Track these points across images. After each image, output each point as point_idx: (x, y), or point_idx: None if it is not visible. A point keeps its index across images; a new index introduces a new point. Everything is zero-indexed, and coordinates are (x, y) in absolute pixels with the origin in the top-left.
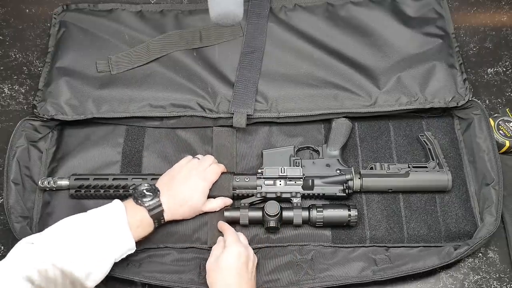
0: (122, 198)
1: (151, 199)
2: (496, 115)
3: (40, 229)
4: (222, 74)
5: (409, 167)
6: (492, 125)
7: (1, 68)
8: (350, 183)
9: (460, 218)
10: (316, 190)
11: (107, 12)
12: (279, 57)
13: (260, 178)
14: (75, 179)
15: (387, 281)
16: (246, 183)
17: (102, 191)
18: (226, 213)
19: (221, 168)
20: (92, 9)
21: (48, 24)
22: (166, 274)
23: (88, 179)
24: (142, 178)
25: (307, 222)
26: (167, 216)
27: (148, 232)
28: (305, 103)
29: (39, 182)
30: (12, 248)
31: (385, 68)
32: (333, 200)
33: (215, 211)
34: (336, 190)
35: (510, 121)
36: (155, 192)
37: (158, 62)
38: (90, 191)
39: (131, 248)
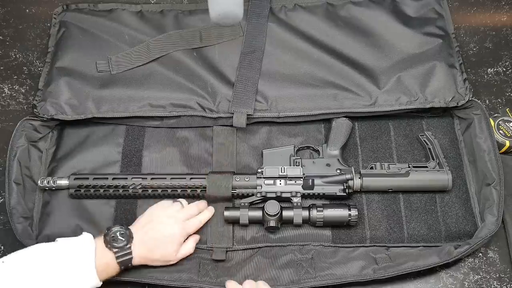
0: (122, 198)
1: (122, 245)
2: (496, 115)
3: (40, 229)
4: (222, 74)
5: (409, 167)
6: (492, 125)
7: (1, 68)
8: (350, 182)
9: (460, 218)
10: (316, 190)
11: (107, 12)
12: (279, 57)
13: (260, 177)
14: (75, 179)
15: (387, 280)
16: (246, 183)
17: (101, 190)
18: (226, 213)
19: (203, 220)
20: (92, 9)
21: (48, 24)
22: (165, 273)
23: (88, 178)
24: (142, 178)
25: (307, 221)
26: (135, 262)
27: (111, 275)
28: (305, 103)
29: (39, 182)
30: (12, 247)
31: (385, 68)
32: (333, 200)
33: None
34: (336, 189)
35: (510, 121)
36: (127, 238)
37: (158, 62)
38: (90, 190)
39: (95, 286)
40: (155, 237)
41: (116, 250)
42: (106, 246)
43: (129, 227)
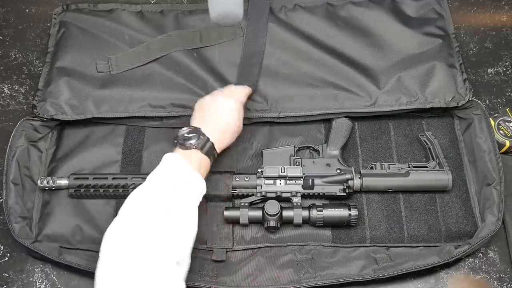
0: (122, 198)
1: (197, 139)
2: (496, 115)
3: (39, 229)
4: (222, 74)
5: (409, 167)
6: (492, 125)
7: (1, 68)
8: (350, 182)
9: (460, 218)
10: (316, 190)
11: (107, 12)
12: (279, 57)
13: (260, 177)
14: (75, 179)
15: (387, 280)
16: (246, 183)
17: (101, 190)
18: (226, 213)
19: (246, 88)
20: (92, 9)
21: (48, 24)
22: None
23: (88, 178)
24: (142, 178)
25: (307, 221)
26: (217, 148)
27: (207, 170)
28: (305, 103)
29: (39, 182)
30: (11, 247)
31: (385, 68)
32: (333, 200)
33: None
34: (336, 189)
35: (510, 121)
36: (197, 131)
37: (158, 62)
38: (90, 190)
39: (203, 188)
40: (216, 119)
41: (196, 144)
42: (185, 148)
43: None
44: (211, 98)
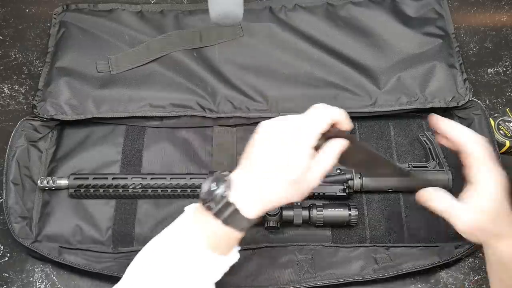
0: (122, 198)
1: (216, 199)
2: (496, 115)
3: (39, 229)
4: (222, 74)
5: (409, 167)
6: (492, 125)
7: (1, 68)
8: (350, 182)
9: None
10: (316, 190)
11: (107, 12)
12: (279, 57)
13: None
14: (75, 179)
15: (387, 280)
16: None
17: (101, 190)
18: None
19: (333, 111)
20: (92, 9)
21: (48, 24)
22: None
23: (88, 178)
24: (142, 178)
25: (307, 221)
26: (249, 210)
27: (231, 242)
28: (305, 103)
29: (38, 182)
30: (11, 247)
31: (385, 68)
32: (333, 200)
33: None
34: (336, 189)
35: (510, 121)
36: (222, 181)
37: (158, 62)
38: (90, 190)
39: (225, 267)
40: (262, 158)
41: (214, 207)
42: (205, 210)
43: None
44: (279, 122)
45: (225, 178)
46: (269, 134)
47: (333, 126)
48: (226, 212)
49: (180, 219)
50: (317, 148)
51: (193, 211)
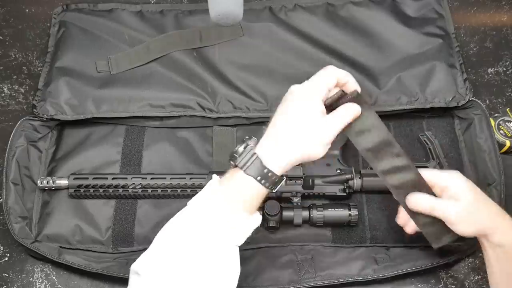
0: (122, 198)
1: (242, 151)
2: (496, 115)
3: (39, 229)
4: (222, 74)
5: None
6: (493, 125)
7: (1, 68)
8: (350, 182)
9: None
10: (317, 190)
11: (107, 12)
12: (279, 57)
13: None
14: (75, 179)
15: (387, 280)
16: None
17: (101, 190)
18: None
19: (340, 71)
20: (92, 9)
21: (48, 24)
22: None
23: (87, 178)
24: (142, 178)
25: (307, 221)
26: (273, 163)
27: (257, 198)
28: None
29: (38, 182)
30: (11, 247)
31: (385, 68)
32: (333, 200)
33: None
34: (337, 189)
35: (511, 121)
36: (247, 143)
37: (158, 62)
38: (89, 190)
39: (251, 227)
40: (282, 120)
41: (241, 163)
42: (233, 167)
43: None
44: (300, 84)
45: (252, 138)
46: (291, 94)
47: (342, 95)
48: (251, 163)
49: (207, 186)
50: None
51: (219, 177)
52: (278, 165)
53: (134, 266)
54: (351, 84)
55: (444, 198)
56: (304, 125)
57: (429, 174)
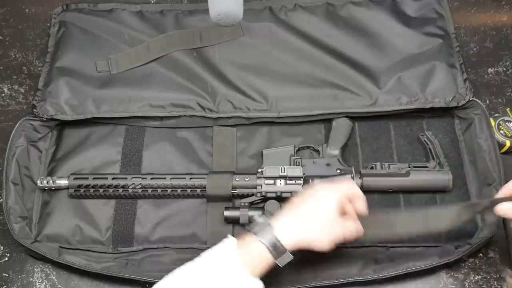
0: (122, 198)
1: (262, 222)
2: (496, 115)
3: (39, 229)
4: (222, 74)
5: (409, 167)
6: (493, 125)
7: (1, 68)
8: None
9: None
10: None
11: (107, 12)
12: (279, 57)
13: (260, 177)
14: (74, 179)
15: (387, 280)
16: (246, 183)
17: (101, 190)
18: (226, 213)
19: (356, 188)
20: (92, 9)
21: (48, 24)
22: (165, 273)
23: (87, 178)
24: (142, 178)
25: None
26: (288, 240)
27: (263, 266)
28: (305, 103)
29: (38, 182)
30: (11, 247)
31: (385, 68)
32: None
33: None
34: None
35: (511, 121)
36: (267, 216)
37: (158, 62)
38: (89, 190)
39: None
40: (304, 208)
41: (256, 229)
42: (248, 232)
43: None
44: (317, 185)
45: (270, 213)
46: (309, 190)
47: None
48: (265, 233)
49: (221, 244)
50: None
51: (238, 237)
52: (289, 242)
53: None
54: (360, 206)
55: None
56: (319, 221)
57: None
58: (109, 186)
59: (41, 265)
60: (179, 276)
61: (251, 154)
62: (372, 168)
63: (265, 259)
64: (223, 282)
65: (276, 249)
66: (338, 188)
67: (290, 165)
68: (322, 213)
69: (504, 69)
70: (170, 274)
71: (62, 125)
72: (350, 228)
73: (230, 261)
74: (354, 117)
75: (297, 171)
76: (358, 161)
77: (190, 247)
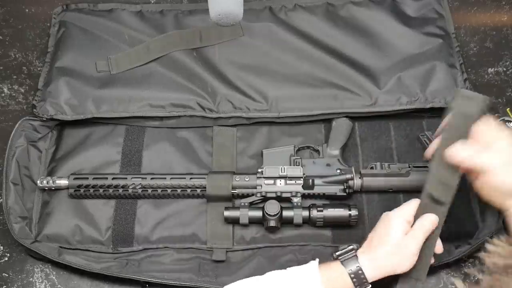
0: (122, 198)
1: (345, 250)
2: (496, 115)
3: (39, 229)
4: (222, 74)
5: (409, 167)
6: None
7: (1, 68)
8: (350, 182)
9: (461, 218)
10: (317, 190)
11: (107, 12)
12: (279, 57)
13: (260, 177)
14: (74, 179)
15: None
16: (246, 183)
17: (101, 190)
18: (226, 213)
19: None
20: (92, 9)
21: (48, 24)
22: (165, 273)
23: (87, 178)
24: (142, 178)
25: (307, 221)
26: (369, 272)
27: None
28: (305, 103)
29: (38, 182)
30: (11, 247)
31: (385, 68)
32: (333, 200)
33: None
34: (337, 189)
35: (510, 121)
36: (351, 246)
37: (158, 62)
38: (89, 190)
39: None
40: (375, 236)
41: (338, 254)
42: (334, 260)
43: None
44: (388, 212)
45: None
46: (383, 216)
47: None
48: (348, 258)
49: (307, 265)
50: None
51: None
52: (372, 276)
53: None
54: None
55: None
56: (390, 246)
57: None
58: (109, 186)
59: (41, 265)
60: (260, 281)
61: (251, 154)
62: (372, 168)
63: (345, 285)
64: None
65: (358, 276)
66: (402, 211)
67: (290, 165)
68: (388, 239)
69: (504, 69)
70: (248, 279)
71: (62, 125)
72: (419, 234)
73: (311, 278)
74: (354, 117)
75: (297, 171)
76: (358, 161)
77: (190, 247)
